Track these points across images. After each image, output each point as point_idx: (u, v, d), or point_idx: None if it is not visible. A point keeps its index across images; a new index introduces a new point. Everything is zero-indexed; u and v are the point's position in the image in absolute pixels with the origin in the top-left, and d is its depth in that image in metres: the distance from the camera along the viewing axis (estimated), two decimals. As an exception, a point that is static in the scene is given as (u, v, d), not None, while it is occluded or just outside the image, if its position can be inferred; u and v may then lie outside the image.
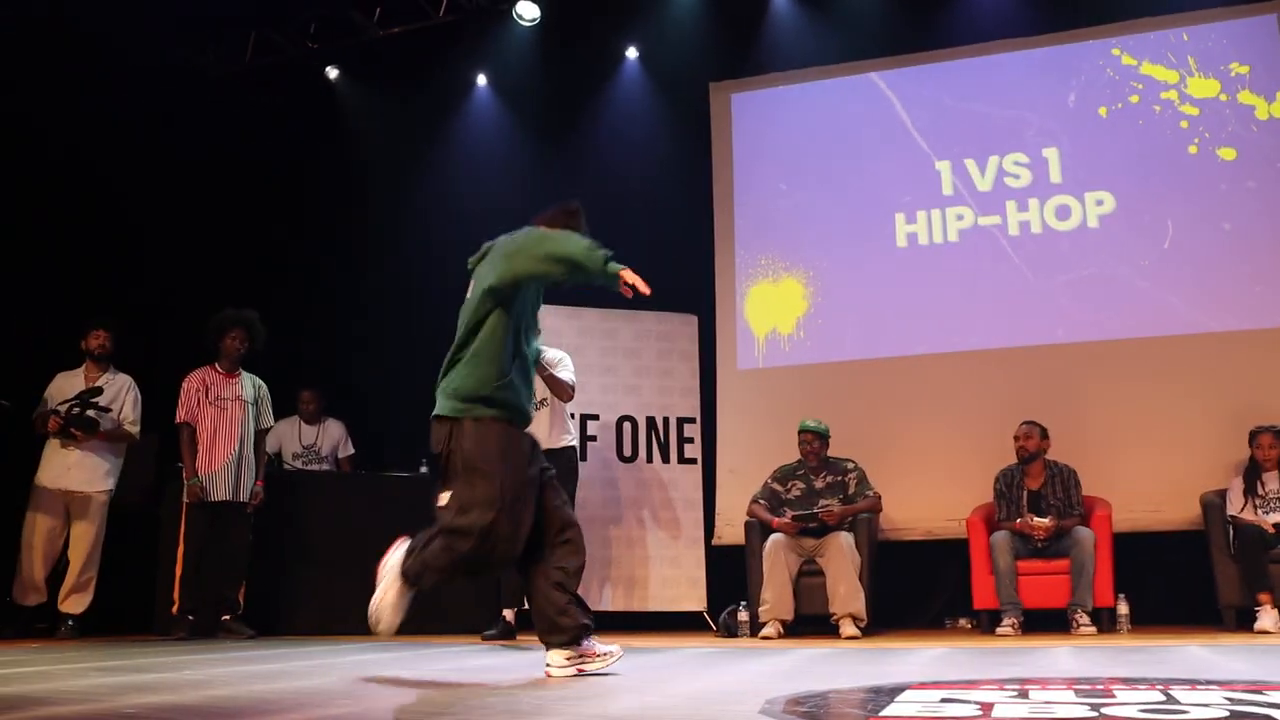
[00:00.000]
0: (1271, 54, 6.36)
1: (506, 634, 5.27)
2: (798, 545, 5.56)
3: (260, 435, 5.80)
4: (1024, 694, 2.32)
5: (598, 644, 3.03)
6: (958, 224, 6.77)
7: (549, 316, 5.55)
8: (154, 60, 7.23)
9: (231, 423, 5.63)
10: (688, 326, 6.89)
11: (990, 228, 6.70)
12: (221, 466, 5.55)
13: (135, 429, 5.84)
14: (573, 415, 5.78)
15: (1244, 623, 5.17)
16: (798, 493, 5.78)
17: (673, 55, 7.49)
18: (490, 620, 5.39)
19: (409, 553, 2.98)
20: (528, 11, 7.44)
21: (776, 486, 5.84)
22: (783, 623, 5.42)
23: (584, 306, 6.61)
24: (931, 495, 6.29)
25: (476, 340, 3.04)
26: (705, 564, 6.48)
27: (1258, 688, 2.39)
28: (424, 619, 5.95)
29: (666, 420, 6.60)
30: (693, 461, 6.64)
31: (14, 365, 5.91)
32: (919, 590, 6.41)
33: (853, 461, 5.81)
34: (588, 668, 2.98)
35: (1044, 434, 5.68)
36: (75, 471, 5.65)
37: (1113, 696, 2.23)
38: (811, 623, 5.57)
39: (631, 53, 7.71)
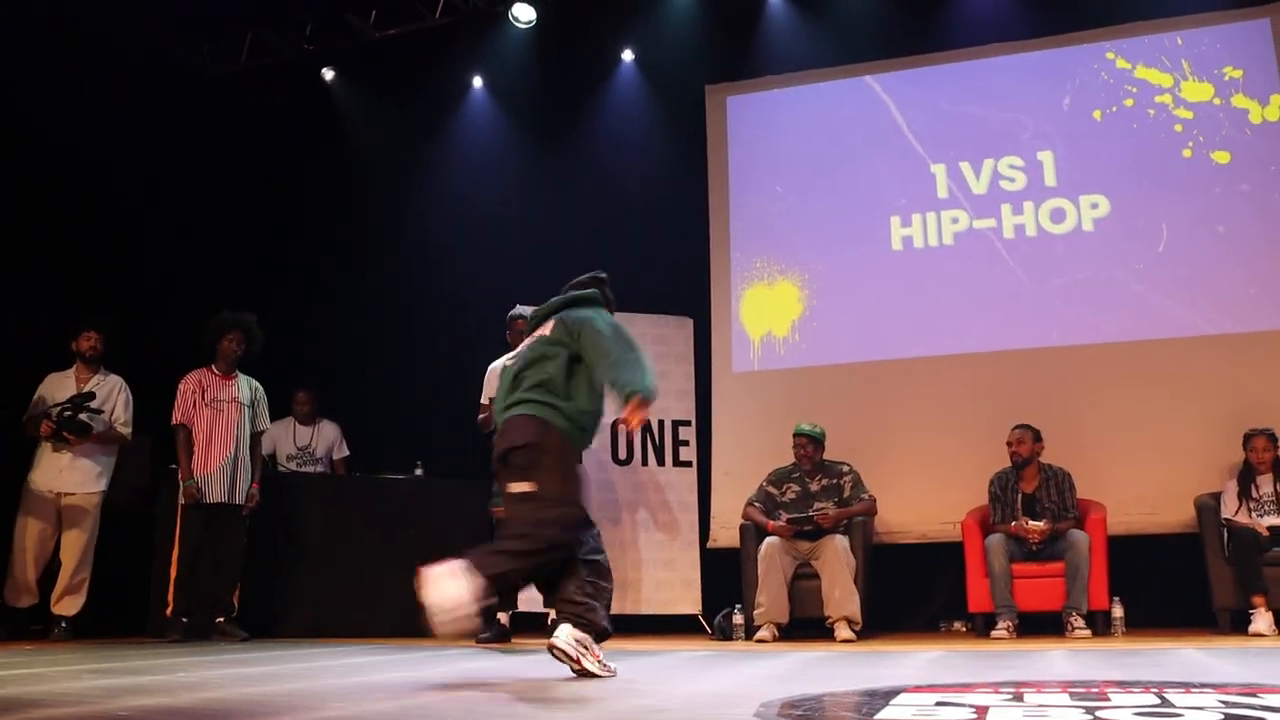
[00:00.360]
0: (1265, 58, 6.38)
1: (501, 637, 5.26)
2: (793, 548, 5.57)
3: (256, 438, 5.79)
4: (1019, 697, 2.32)
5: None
6: (953, 227, 6.78)
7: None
8: (153, 60, 7.23)
9: (227, 425, 5.62)
10: (683, 329, 6.89)
11: (985, 231, 6.71)
12: (217, 468, 5.54)
13: (127, 430, 5.83)
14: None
15: (1238, 625, 5.18)
16: (793, 496, 5.78)
17: (669, 58, 7.49)
18: (485, 623, 5.38)
19: (479, 553, 3.02)
20: (523, 13, 7.44)
21: (771, 489, 5.85)
22: (777, 626, 5.43)
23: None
24: (926, 498, 6.29)
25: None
26: (700, 567, 6.47)
27: (1252, 691, 2.40)
28: (420, 622, 5.97)
29: (662, 423, 6.59)
30: (688, 464, 6.63)
31: (13, 366, 5.89)
32: (914, 593, 6.41)
33: (848, 464, 5.82)
34: (586, 661, 3.02)
35: (1038, 437, 5.68)
36: (68, 474, 5.64)
37: (1107, 700, 2.24)
38: (806, 626, 5.57)
39: (627, 55, 7.71)
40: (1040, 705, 2.17)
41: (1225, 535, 5.39)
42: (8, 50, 6.17)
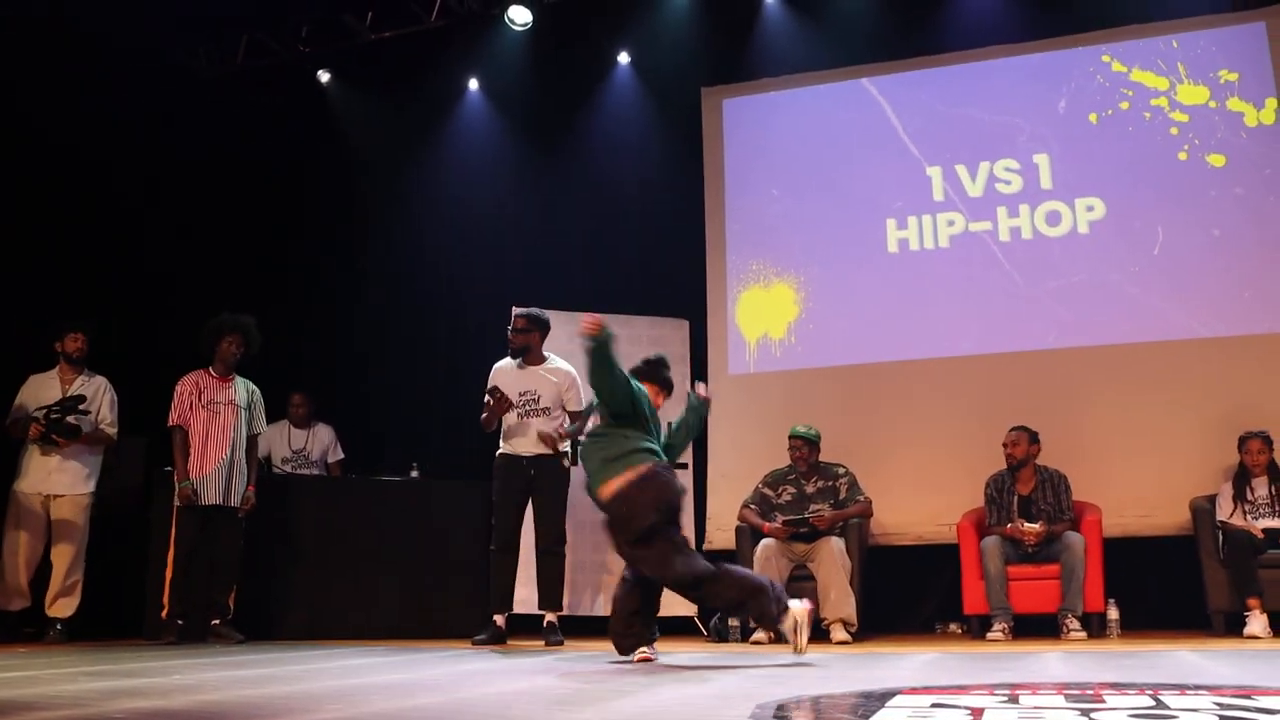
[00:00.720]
0: (1260, 61, 6.40)
1: (497, 638, 5.25)
2: (788, 550, 5.57)
3: (252, 440, 5.78)
4: (1014, 699, 2.32)
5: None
6: (949, 230, 6.78)
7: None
8: (152, 61, 7.23)
9: (224, 427, 5.61)
10: (679, 331, 6.90)
11: (981, 233, 6.72)
12: (213, 470, 5.52)
13: (113, 430, 5.82)
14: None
15: (1233, 628, 5.18)
16: (789, 497, 5.78)
17: (665, 60, 7.49)
18: (480, 625, 5.38)
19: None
20: (520, 16, 7.44)
21: (767, 491, 5.85)
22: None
23: (577, 311, 6.60)
24: (922, 500, 6.30)
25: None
26: (696, 569, 6.46)
27: (1247, 693, 2.40)
28: (415, 623, 5.96)
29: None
30: (684, 466, 6.62)
31: (12, 366, 5.88)
32: (909, 595, 6.41)
33: (844, 466, 5.82)
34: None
35: (1033, 439, 5.69)
36: (57, 476, 5.63)
37: (1102, 702, 2.24)
38: (803, 627, 5.56)
39: (623, 57, 7.71)
40: (1035, 707, 2.17)
41: (1220, 538, 5.41)
42: (8, 50, 6.17)
